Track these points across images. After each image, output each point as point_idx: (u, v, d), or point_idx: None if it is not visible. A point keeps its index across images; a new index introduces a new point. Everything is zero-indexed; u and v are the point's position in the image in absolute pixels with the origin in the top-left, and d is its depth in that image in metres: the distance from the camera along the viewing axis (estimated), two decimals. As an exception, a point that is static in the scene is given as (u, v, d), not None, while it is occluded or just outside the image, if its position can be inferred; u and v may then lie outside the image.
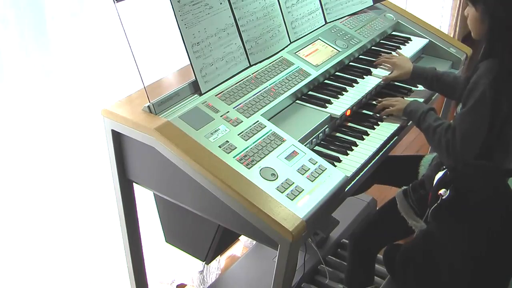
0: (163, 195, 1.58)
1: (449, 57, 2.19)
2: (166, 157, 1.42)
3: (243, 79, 1.69)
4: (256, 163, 1.41)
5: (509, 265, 1.49)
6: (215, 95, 1.60)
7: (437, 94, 2.00)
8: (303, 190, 1.37)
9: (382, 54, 2.07)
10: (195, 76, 1.57)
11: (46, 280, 1.77)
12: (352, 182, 1.54)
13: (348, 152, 1.62)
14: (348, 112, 1.77)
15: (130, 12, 1.59)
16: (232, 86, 1.65)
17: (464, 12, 1.60)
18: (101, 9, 1.66)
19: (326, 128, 1.69)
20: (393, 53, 2.08)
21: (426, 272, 1.55)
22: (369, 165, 1.62)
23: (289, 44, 1.90)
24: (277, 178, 1.39)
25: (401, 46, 2.16)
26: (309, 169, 1.43)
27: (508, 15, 1.47)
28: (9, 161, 1.57)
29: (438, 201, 1.50)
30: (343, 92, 1.83)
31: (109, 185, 1.69)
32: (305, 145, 1.54)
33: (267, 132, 1.52)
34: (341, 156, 1.59)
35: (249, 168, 1.39)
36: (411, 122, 1.77)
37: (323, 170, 1.44)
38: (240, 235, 2.13)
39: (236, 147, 1.44)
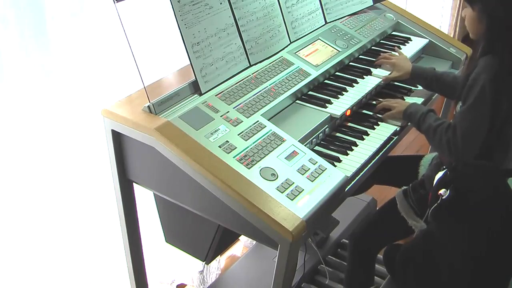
0: (163, 195, 1.58)
1: (449, 57, 2.19)
2: (166, 157, 1.42)
3: (243, 79, 1.69)
4: (256, 163, 1.41)
5: (509, 265, 1.49)
6: (215, 95, 1.60)
7: (436, 94, 1.99)
8: (303, 190, 1.37)
9: (382, 54, 2.07)
10: (195, 76, 1.57)
11: (46, 280, 1.77)
12: (352, 182, 1.54)
13: (348, 152, 1.61)
14: (348, 112, 1.77)
15: (130, 12, 1.59)
16: (232, 86, 1.65)
17: (461, 13, 1.59)
18: (101, 9, 1.66)
19: (326, 128, 1.69)
20: (393, 52, 2.08)
21: (426, 272, 1.55)
22: (369, 165, 1.62)
23: (289, 44, 1.89)
24: (277, 178, 1.39)
25: (401, 46, 2.16)
26: (309, 169, 1.43)
27: (508, 15, 1.47)
28: (9, 161, 1.57)
29: (438, 201, 1.49)
30: (343, 92, 1.83)
31: (109, 185, 1.69)
32: (305, 145, 1.54)
33: (267, 132, 1.52)
34: (341, 156, 1.59)
35: (249, 168, 1.39)
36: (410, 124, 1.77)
37: (323, 170, 1.44)
38: (240, 235, 2.13)
39: (236, 147, 1.44)
